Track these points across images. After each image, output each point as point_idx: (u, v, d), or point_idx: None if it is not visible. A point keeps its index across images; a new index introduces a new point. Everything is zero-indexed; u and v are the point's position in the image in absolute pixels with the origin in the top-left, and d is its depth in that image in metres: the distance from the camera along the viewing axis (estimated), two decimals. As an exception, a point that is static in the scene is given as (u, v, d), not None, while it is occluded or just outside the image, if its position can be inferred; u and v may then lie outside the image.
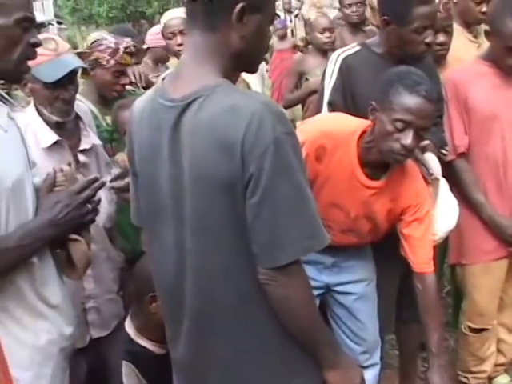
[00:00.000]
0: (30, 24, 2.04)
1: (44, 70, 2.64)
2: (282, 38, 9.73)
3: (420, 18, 2.78)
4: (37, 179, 2.19)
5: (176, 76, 1.83)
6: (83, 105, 3.13)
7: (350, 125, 2.65)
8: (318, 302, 2.74)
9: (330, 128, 2.65)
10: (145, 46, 5.01)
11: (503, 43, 3.00)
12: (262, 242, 1.68)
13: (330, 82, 3.01)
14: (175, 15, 4.24)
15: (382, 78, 2.52)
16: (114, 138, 3.31)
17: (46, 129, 2.75)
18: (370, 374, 2.94)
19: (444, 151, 3.18)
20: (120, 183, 2.87)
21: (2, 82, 2.35)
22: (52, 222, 2.08)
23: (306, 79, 5.39)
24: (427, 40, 2.81)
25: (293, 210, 1.67)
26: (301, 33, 11.58)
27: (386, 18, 2.90)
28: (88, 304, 2.86)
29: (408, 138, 2.40)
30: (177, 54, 4.18)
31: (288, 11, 13.62)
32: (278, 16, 10.45)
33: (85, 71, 3.36)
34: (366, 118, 2.58)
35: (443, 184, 2.85)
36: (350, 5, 5.22)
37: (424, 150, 2.78)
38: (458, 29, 3.71)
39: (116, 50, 3.32)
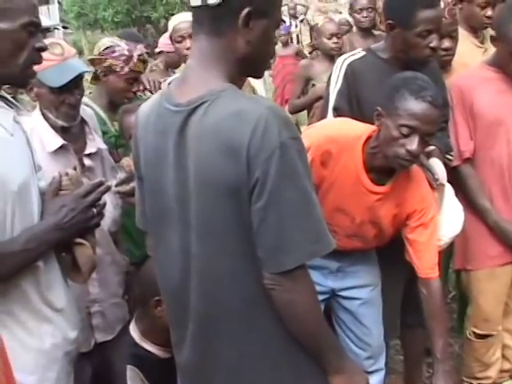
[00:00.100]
0: (36, 28, 2.04)
1: (50, 75, 2.65)
2: (285, 43, 9.75)
3: (424, 21, 2.78)
4: (42, 183, 2.20)
5: (182, 81, 1.83)
6: (88, 109, 3.13)
7: (355, 130, 2.65)
8: (322, 306, 2.74)
9: (335, 133, 2.65)
10: (158, 50, 5.01)
11: (509, 48, 2.99)
12: (267, 246, 1.69)
13: (336, 87, 3.02)
14: (184, 19, 4.20)
15: (388, 84, 2.53)
16: (120, 143, 3.30)
17: (52, 133, 2.75)
18: (375, 380, 2.93)
19: (449, 156, 3.17)
20: (125, 188, 2.88)
21: (7, 86, 2.35)
22: (57, 226, 2.08)
23: (313, 85, 5.39)
24: (432, 44, 2.81)
25: (298, 215, 1.67)
26: (306, 38, 11.61)
27: (390, 21, 2.90)
28: (93, 308, 2.86)
29: (413, 144, 2.40)
30: (185, 58, 4.17)
31: (293, 16, 13.65)
32: (284, 21, 10.46)
33: (95, 77, 3.36)
34: (371, 123, 2.58)
35: (448, 189, 2.84)
36: (361, 10, 5.22)
37: (429, 155, 2.78)
38: (463, 34, 3.70)
39: (130, 57, 3.31)
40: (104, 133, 3.24)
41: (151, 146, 1.86)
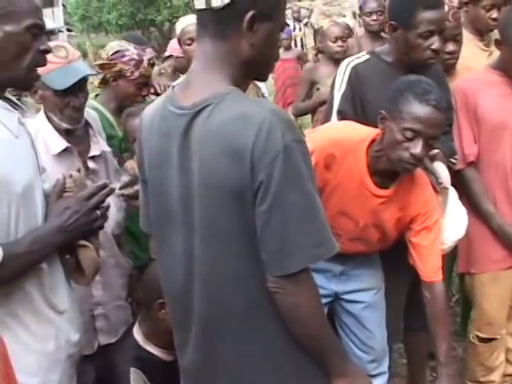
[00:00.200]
0: (40, 31, 2.05)
1: (54, 78, 2.65)
2: (288, 47, 9.75)
3: (425, 22, 2.78)
4: (46, 185, 2.20)
5: (186, 84, 1.83)
6: (93, 112, 3.14)
7: (359, 133, 2.65)
8: (326, 310, 2.74)
9: (339, 136, 2.65)
10: (167, 54, 5.00)
11: (514, 52, 2.99)
12: (270, 249, 1.69)
13: (340, 91, 3.02)
14: (192, 21, 4.15)
15: (392, 87, 2.53)
16: (125, 147, 3.30)
17: (56, 135, 2.76)
18: (378, 383, 2.93)
19: (453, 160, 3.17)
20: (129, 190, 2.88)
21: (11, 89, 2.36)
22: (61, 228, 2.09)
23: (318, 89, 5.39)
24: (433, 46, 2.81)
25: (302, 218, 1.67)
26: (310, 41, 11.62)
27: (392, 22, 2.91)
28: (96, 311, 2.85)
29: (417, 147, 2.40)
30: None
31: (297, 20, 13.67)
32: (288, 25, 10.47)
33: (104, 80, 3.36)
34: (375, 126, 2.58)
35: (452, 193, 2.84)
36: (371, 13, 5.20)
37: (433, 158, 2.78)
38: (468, 37, 3.69)
39: (140, 62, 3.30)
40: (112, 137, 3.24)
41: (155, 149, 1.87)
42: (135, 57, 3.30)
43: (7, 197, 1.95)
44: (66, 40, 20.86)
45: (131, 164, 2.92)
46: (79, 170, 2.34)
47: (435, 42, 2.80)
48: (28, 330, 2.06)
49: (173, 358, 2.32)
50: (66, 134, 2.78)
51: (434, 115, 2.39)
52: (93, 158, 2.85)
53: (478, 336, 3.41)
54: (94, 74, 2.97)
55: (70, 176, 2.22)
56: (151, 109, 1.94)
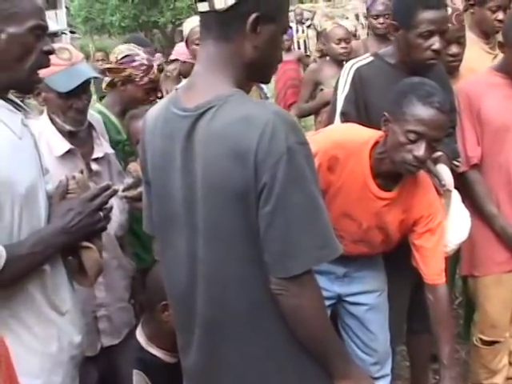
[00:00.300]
0: (43, 31, 2.05)
1: (58, 80, 2.66)
2: (288, 49, 9.74)
3: (425, 22, 2.78)
4: (49, 186, 2.20)
5: (189, 85, 1.83)
6: (96, 114, 3.14)
7: (362, 135, 2.65)
8: (329, 312, 2.73)
9: (342, 138, 2.65)
10: (172, 57, 5.01)
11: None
12: (274, 251, 1.69)
13: (343, 93, 3.02)
14: None
15: (395, 89, 2.52)
16: (129, 150, 3.29)
17: (59, 137, 2.76)
18: (381, 385, 2.94)
19: (456, 162, 3.17)
20: (133, 193, 2.88)
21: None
22: (64, 230, 2.09)
23: (321, 89, 5.39)
24: (434, 47, 2.80)
25: (305, 220, 1.67)
26: (313, 43, 11.62)
27: (394, 23, 2.91)
28: (99, 312, 2.86)
29: (421, 150, 2.40)
30: None
31: (300, 22, 13.66)
32: (290, 27, 10.47)
33: (111, 84, 3.35)
34: (378, 128, 2.58)
35: (455, 195, 2.84)
36: (378, 16, 5.20)
37: (436, 161, 2.78)
38: (473, 39, 3.69)
39: (150, 67, 3.29)
40: (118, 142, 3.24)
41: (158, 151, 1.87)
42: (145, 62, 3.29)
43: (10, 198, 1.95)
44: (69, 42, 20.90)
45: (134, 166, 2.93)
46: (82, 172, 2.34)
47: (435, 43, 2.80)
48: (30, 332, 2.06)
49: (176, 360, 2.32)
50: (69, 135, 2.78)
51: (437, 117, 2.39)
52: (96, 159, 2.85)
53: (481, 339, 3.40)
54: (97, 77, 2.97)
55: (73, 177, 2.22)
56: (154, 110, 1.94)
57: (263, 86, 3.82)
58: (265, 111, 1.68)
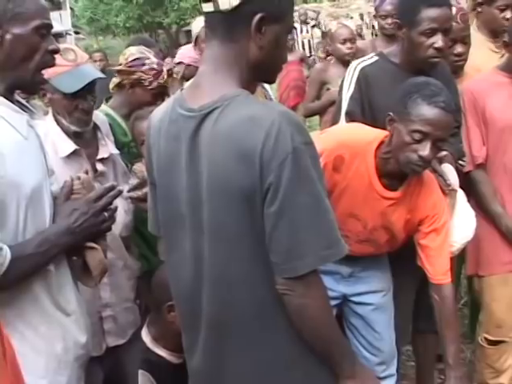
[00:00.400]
0: (48, 31, 2.05)
1: (63, 81, 2.66)
2: (290, 50, 9.73)
3: (428, 19, 2.78)
4: (55, 187, 2.20)
5: (195, 86, 1.84)
6: (101, 114, 3.14)
7: (367, 135, 2.65)
8: (334, 312, 2.73)
9: (347, 138, 2.65)
10: (176, 60, 5.00)
11: (521, 54, 2.98)
12: (280, 251, 1.69)
13: (348, 92, 3.01)
14: None
15: (400, 89, 2.52)
16: (133, 151, 3.29)
17: (65, 138, 2.77)
18: (387, 385, 2.93)
19: (462, 162, 3.16)
20: (138, 193, 2.88)
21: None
22: (69, 230, 2.09)
23: (328, 89, 5.39)
24: (436, 45, 2.80)
25: (311, 220, 1.67)
26: (318, 43, 11.63)
27: (398, 21, 2.91)
28: (105, 312, 2.86)
29: (426, 149, 2.40)
30: None
31: (304, 22, 13.68)
32: (295, 28, 10.47)
33: (119, 85, 3.34)
34: (383, 128, 2.58)
35: (460, 195, 2.84)
36: (386, 16, 5.18)
37: (441, 160, 2.77)
38: (480, 38, 3.67)
39: (160, 72, 3.29)
40: (124, 144, 3.24)
41: (164, 152, 1.87)
42: (155, 66, 3.28)
43: (16, 199, 1.95)
44: (74, 42, 20.92)
45: (139, 167, 2.93)
46: (87, 172, 2.35)
47: (438, 41, 2.80)
48: (36, 332, 2.06)
49: (181, 360, 2.33)
50: (74, 136, 2.78)
51: (442, 117, 2.39)
52: (101, 160, 2.86)
53: (486, 338, 3.39)
54: (102, 78, 2.97)
55: (78, 178, 2.23)
56: (159, 111, 1.94)
57: (267, 86, 3.81)
58: (270, 111, 1.68)
